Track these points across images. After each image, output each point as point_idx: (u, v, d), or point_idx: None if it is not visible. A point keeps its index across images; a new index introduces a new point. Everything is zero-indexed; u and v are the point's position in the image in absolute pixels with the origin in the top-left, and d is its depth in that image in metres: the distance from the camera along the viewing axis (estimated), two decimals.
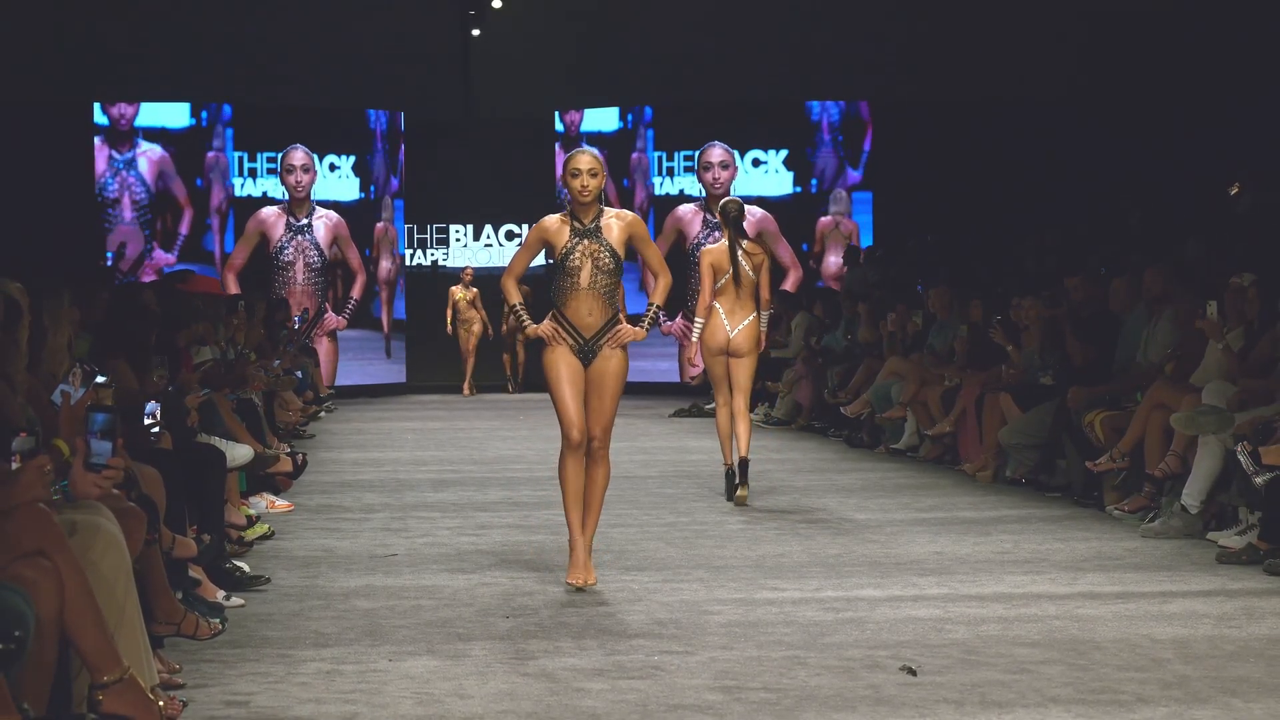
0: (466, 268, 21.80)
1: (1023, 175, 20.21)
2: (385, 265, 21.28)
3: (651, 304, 7.30)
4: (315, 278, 20.85)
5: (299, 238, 20.77)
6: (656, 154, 21.20)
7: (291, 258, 20.74)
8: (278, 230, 20.71)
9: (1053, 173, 20.05)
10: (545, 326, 7.16)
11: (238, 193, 20.65)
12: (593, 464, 7.22)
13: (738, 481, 9.98)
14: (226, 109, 20.56)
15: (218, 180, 20.54)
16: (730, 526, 9.01)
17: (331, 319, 21.01)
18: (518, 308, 7.26)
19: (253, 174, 20.72)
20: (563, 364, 7.14)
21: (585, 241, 7.09)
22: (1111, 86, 20.22)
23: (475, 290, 21.44)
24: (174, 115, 20.48)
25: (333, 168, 20.92)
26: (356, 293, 21.08)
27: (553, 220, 7.19)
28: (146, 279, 19.53)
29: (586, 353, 7.16)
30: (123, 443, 5.13)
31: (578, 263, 7.09)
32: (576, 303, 7.13)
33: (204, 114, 20.53)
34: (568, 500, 7.20)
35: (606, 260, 7.09)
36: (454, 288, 21.54)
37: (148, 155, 20.41)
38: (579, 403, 7.14)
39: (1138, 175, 18.47)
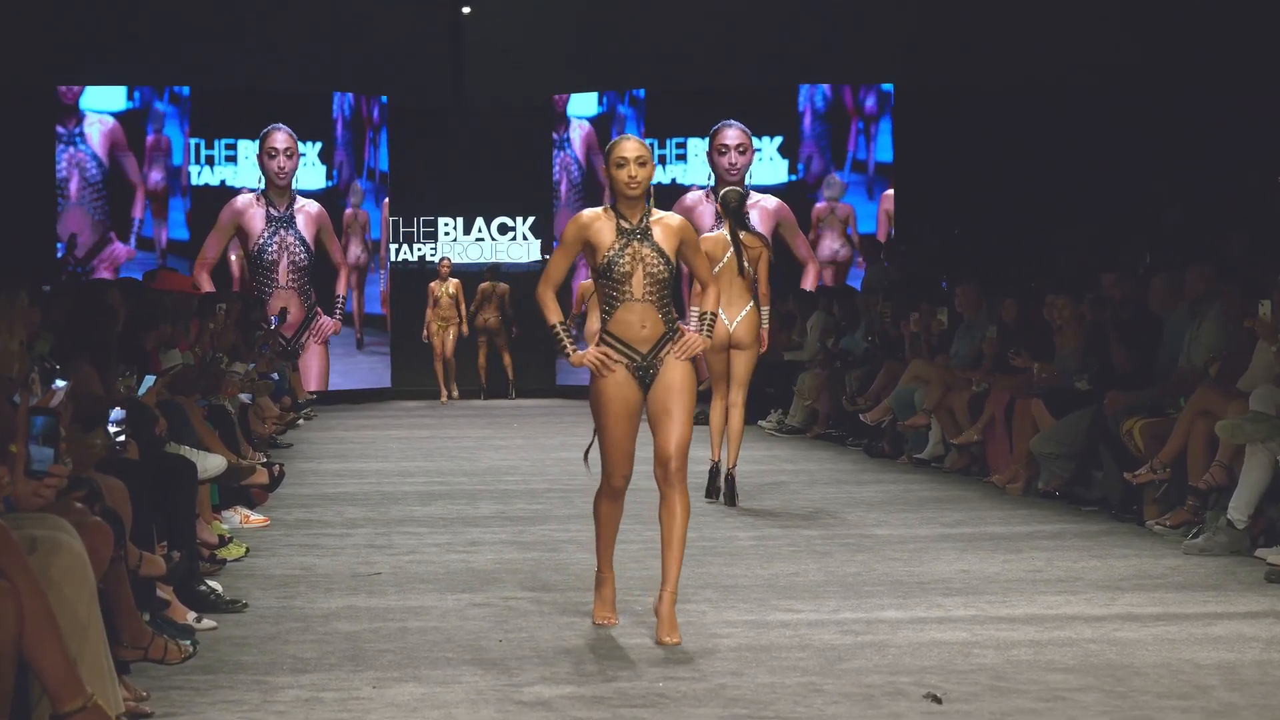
0: (443, 259, 21.31)
1: (1053, 166, 20.21)
2: (355, 251, 21.05)
3: (706, 311, 6.76)
4: (302, 277, 20.59)
5: (282, 232, 20.49)
6: (648, 141, 21.10)
7: (275, 256, 20.45)
8: (257, 224, 20.42)
9: (1085, 163, 20.05)
10: (591, 355, 6.54)
11: (194, 181, 20.44)
12: (670, 492, 6.52)
13: (724, 493, 10.57)
14: (156, 91, 20.30)
15: (159, 165, 20.31)
16: (741, 543, 9.00)
17: (327, 324, 20.79)
18: (558, 328, 6.60)
19: (210, 161, 20.52)
20: (615, 394, 6.53)
21: (634, 244, 6.49)
22: (1148, 71, 20.21)
23: (457, 282, 21.03)
24: (112, 98, 20.33)
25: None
26: (342, 288, 20.96)
27: (593, 215, 6.58)
28: (102, 274, 19.51)
29: (645, 371, 6.55)
30: (65, 448, 5.13)
31: (627, 268, 6.48)
32: (628, 315, 6.51)
33: (137, 95, 20.28)
34: (601, 536, 6.74)
35: (659, 268, 6.49)
36: (433, 283, 21.10)
37: (100, 123, 20.21)
38: (631, 442, 6.57)
39: (1176, 166, 18.47)
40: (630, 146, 6.54)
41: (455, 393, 21.09)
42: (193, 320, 11.18)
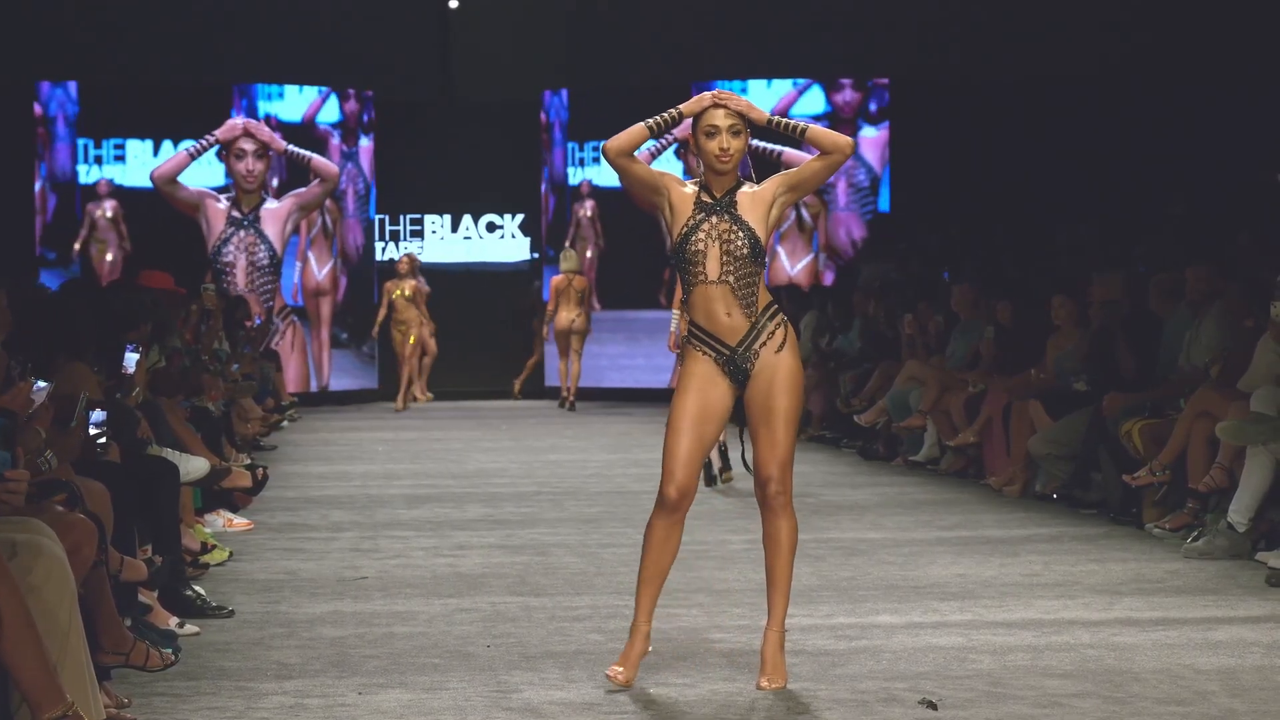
0: (402, 256, 20.59)
1: (1054, 162, 20.21)
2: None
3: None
4: (264, 279, 19.94)
5: (242, 232, 19.81)
6: (571, 144, 21.00)
7: (232, 256, 19.79)
8: (219, 220, 19.72)
9: (1087, 160, 20.05)
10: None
11: (82, 179, 20.09)
12: (771, 517, 5.80)
13: (718, 468, 11.35)
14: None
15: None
16: (733, 547, 9.01)
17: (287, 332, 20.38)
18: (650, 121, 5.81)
19: (99, 160, 20.09)
20: (692, 392, 5.77)
21: (712, 219, 5.76)
22: (1151, 63, 20.23)
23: (413, 283, 20.09)
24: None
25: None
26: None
27: (681, 181, 5.91)
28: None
29: (737, 366, 5.77)
30: (22, 453, 5.13)
31: (701, 246, 5.73)
32: (708, 302, 5.76)
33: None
34: (644, 570, 5.83)
35: (740, 244, 5.71)
36: (389, 283, 20.23)
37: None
38: (695, 446, 5.74)
39: (1181, 162, 18.48)
40: (723, 112, 5.81)
41: (421, 397, 20.49)
42: (179, 320, 11.16)
